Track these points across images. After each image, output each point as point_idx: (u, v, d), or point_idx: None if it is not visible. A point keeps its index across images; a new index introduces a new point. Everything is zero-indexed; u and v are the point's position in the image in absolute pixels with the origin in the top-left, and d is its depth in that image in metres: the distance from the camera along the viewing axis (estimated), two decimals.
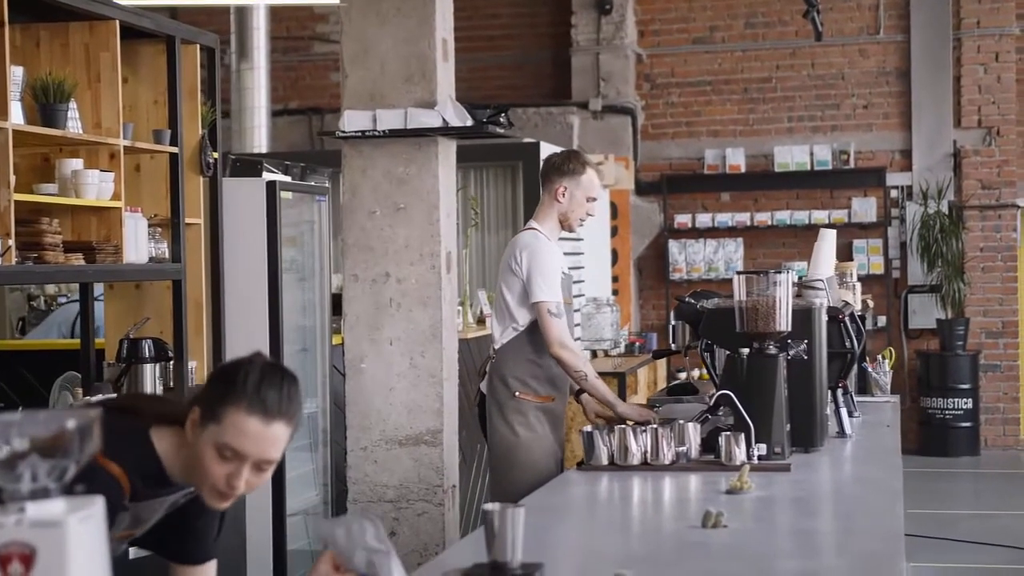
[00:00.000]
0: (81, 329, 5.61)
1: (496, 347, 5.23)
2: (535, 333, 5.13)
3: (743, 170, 12.73)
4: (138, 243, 5.22)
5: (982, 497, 10.78)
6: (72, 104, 4.90)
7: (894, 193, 12.59)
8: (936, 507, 9.90)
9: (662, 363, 10.96)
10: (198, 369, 5.79)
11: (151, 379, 5.34)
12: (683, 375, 12.14)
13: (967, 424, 12.12)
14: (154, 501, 2.70)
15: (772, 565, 2.95)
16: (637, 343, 10.87)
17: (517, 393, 5.14)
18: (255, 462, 2.56)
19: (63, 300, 8.53)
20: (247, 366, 2.59)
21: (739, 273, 4.42)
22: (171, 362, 5.50)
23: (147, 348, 5.34)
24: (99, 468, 2.54)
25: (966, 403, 12.09)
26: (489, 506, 2.70)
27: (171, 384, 5.55)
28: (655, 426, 4.28)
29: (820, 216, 12.43)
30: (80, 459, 1.79)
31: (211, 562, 2.92)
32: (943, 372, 12.14)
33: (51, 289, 8.48)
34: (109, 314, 5.71)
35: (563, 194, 5.21)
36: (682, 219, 12.80)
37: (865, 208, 12.50)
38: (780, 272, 4.37)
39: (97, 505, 1.78)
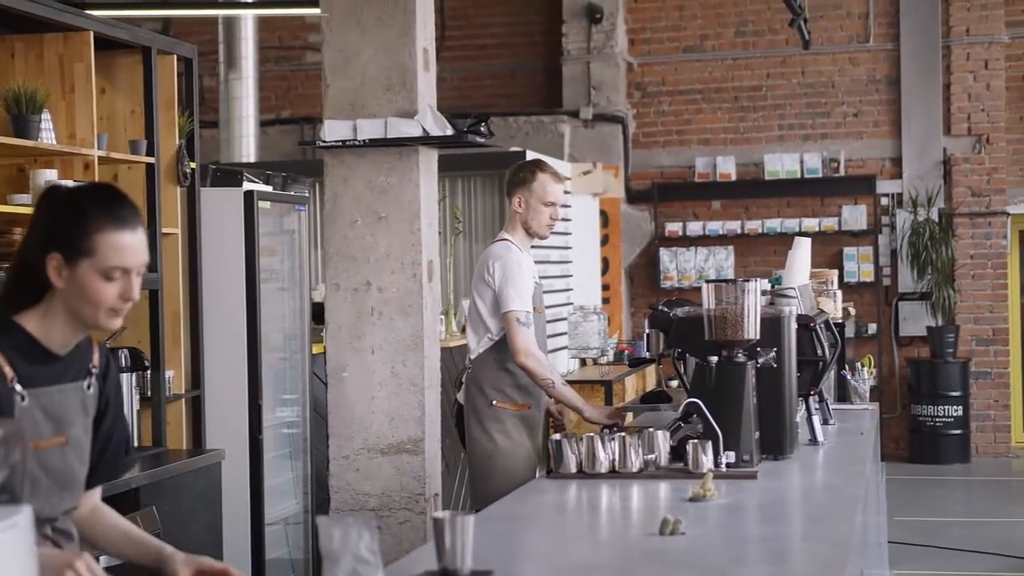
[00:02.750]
0: None
1: (472, 357, 5.33)
2: None
3: (734, 178, 12.75)
4: None
5: (972, 505, 10.78)
6: (46, 115, 4.92)
7: (884, 201, 12.60)
8: (926, 515, 9.91)
9: (651, 371, 10.97)
10: (175, 379, 5.80)
11: (128, 388, 5.35)
12: (675, 383, 12.14)
13: (958, 431, 12.13)
14: (52, 389, 2.69)
15: (722, 572, 2.96)
16: (626, 351, 10.87)
17: (494, 402, 5.24)
18: (137, 270, 2.68)
19: None
20: (79, 197, 2.68)
21: (708, 281, 4.43)
22: (148, 371, 5.52)
23: (124, 357, 5.36)
24: None
25: (956, 410, 12.10)
26: (438, 514, 2.72)
27: (148, 394, 5.56)
28: (623, 434, 4.30)
29: (810, 224, 12.45)
30: (6, 467, 1.80)
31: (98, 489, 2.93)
32: (933, 379, 12.14)
33: None
34: None
35: (520, 204, 5.34)
36: (673, 227, 12.81)
37: (855, 216, 12.51)
38: (749, 280, 4.38)
39: (23, 514, 1.80)
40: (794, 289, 5.10)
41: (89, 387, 2.78)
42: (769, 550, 3.26)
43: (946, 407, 12.08)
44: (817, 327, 4.98)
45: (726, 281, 4.40)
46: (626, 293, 12.87)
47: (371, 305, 5.62)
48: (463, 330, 8.06)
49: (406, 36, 5.66)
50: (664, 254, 12.80)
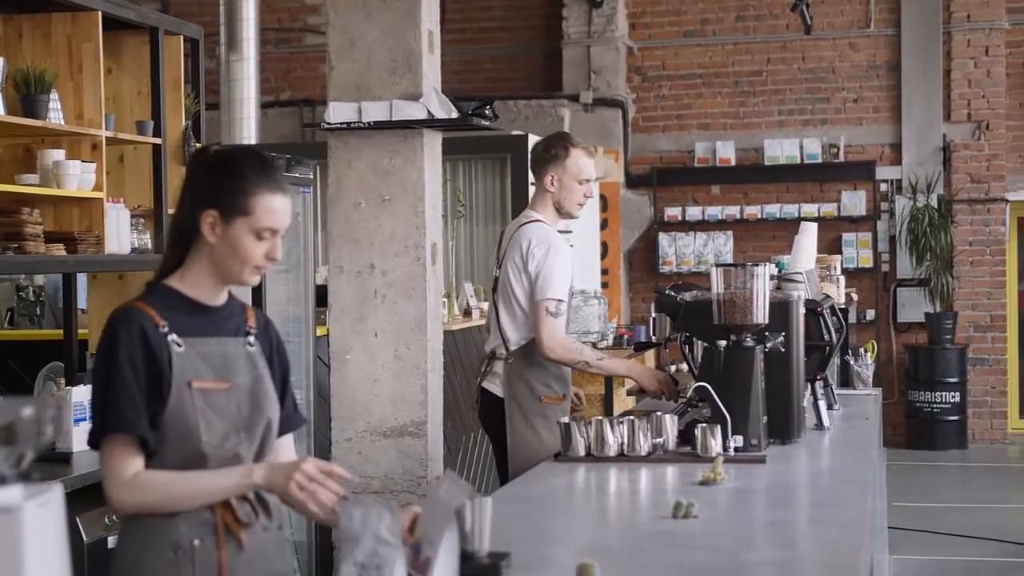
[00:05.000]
0: (64, 319, 5.62)
1: (511, 347, 5.07)
2: None
3: (733, 163, 12.75)
4: (120, 234, 5.24)
5: (969, 490, 10.81)
6: (54, 95, 4.91)
7: (884, 187, 12.61)
8: (923, 500, 9.93)
9: (651, 355, 10.98)
10: None
11: None
12: (673, 368, 12.16)
13: (955, 418, 12.16)
14: (210, 340, 2.84)
15: (737, 555, 2.97)
16: (626, 335, 10.88)
17: (542, 397, 5.03)
18: (282, 232, 2.86)
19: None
20: (237, 159, 2.85)
21: (717, 266, 4.43)
22: None
23: None
24: (115, 312, 2.80)
25: (954, 396, 12.13)
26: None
27: None
28: (632, 417, 4.29)
29: (810, 209, 12.45)
30: (36, 446, 1.81)
31: (289, 436, 3.06)
32: (931, 365, 12.17)
33: (40, 279, 8.48)
34: (92, 304, 5.73)
35: (552, 182, 5.10)
36: (672, 212, 12.82)
37: (855, 202, 12.52)
38: (758, 265, 4.38)
39: (55, 492, 1.80)
40: (801, 274, 5.11)
41: (250, 345, 2.91)
42: (783, 534, 3.27)
43: (943, 393, 12.11)
44: (824, 312, 4.98)
45: (735, 265, 4.40)
46: (625, 277, 12.88)
47: (374, 288, 5.62)
48: (465, 313, 8.06)
49: (411, 18, 5.65)
50: (663, 239, 12.80)
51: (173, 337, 2.78)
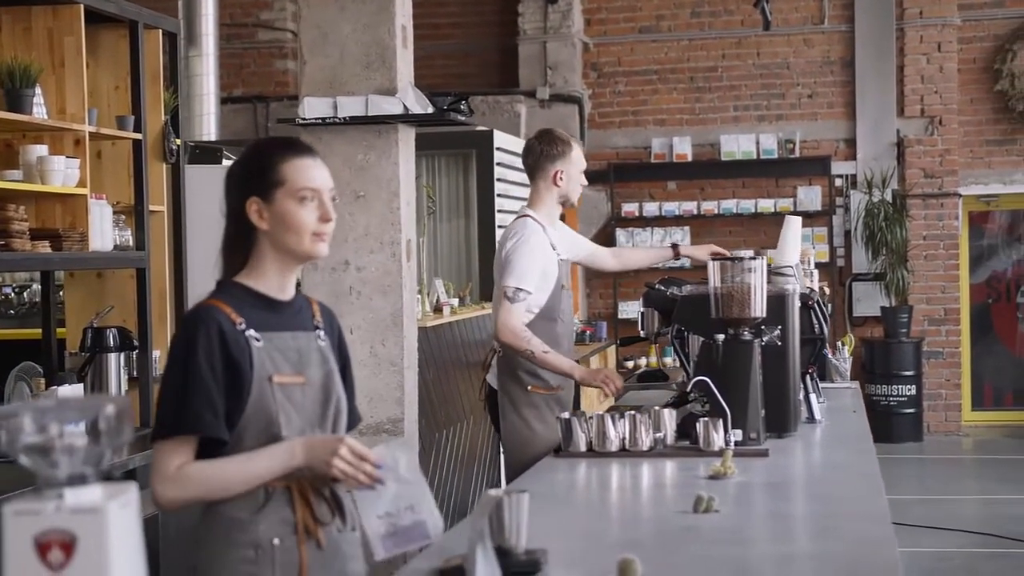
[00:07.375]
0: (43, 318, 5.52)
1: (501, 340, 5.08)
2: (541, 324, 5.04)
3: (690, 159, 12.79)
4: (103, 230, 5.16)
5: (926, 482, 10.91)
6: (37, 89, 4.82)
7: (839, 182, 12.70)
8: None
9: (611, 351, 11.01)
10: (162, 358, 5.71)
11: (115, 368, 5.27)
12: (630, 363, 12.19)
13: (910, 410, 12.27)
14: (285, 335, 2.82)
15: (768, 549, 2.97)
16: (587, 332, 10.91)
17: (530, 387, 5.08)
18: (327, 193, 2.82)
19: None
20: (259, 146, 2.89)
21: (714, 259, 4.43)
22: (135, 351, 5.44)
23: (111, 337, 5.27)
24: (192, 311, 2.81)
25: (909, 389, 12.24)
26: (494, 492, 2.70)
27: (135, 374, 5.48)
28: (632, 412, 4.28)
29: (766, 205, 12.52)
30: (116, 445, 1.77)
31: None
32: (887, 359, 12.27)
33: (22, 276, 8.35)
34: (70, 303, 5.63)
35: (560, 177, 5.20)
36: (629, 208, 12.84)
37: (810, 197, 12.60)
38: (755, 258, 4.38)
39: (132, 492, 1.76)
40: (791, 267, 5.12)
41: (321, 339, 2.88)
42: (807, 527, 3.27)
43: (899, 386, 12.22)
44: (814, 305, 5.00)
45: (733, 259, 4.40)
46: (582, 274, 12.87)
47: (349, 284, 5.60)
48: (437, 310, 8.02)
49: (385, 12, 5.63)
50: (621, 234, 12.82)
51: (251, 332, 2.76)
